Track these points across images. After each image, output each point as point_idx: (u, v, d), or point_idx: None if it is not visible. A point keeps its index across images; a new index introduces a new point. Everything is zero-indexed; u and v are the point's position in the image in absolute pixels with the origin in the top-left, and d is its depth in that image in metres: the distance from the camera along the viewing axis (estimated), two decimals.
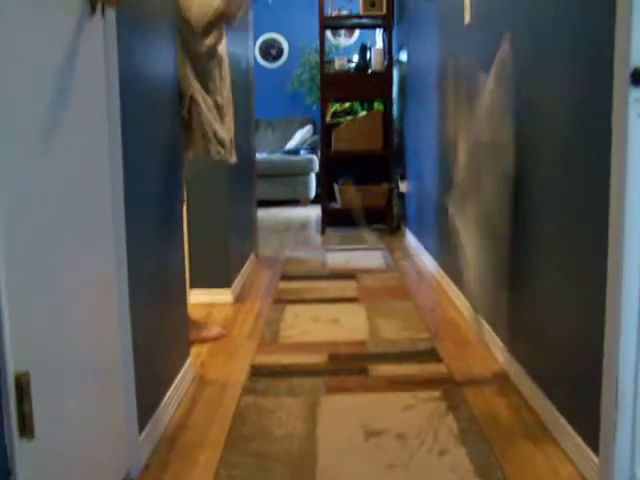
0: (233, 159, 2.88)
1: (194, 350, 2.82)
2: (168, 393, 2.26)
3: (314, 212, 7.31)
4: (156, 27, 2.24)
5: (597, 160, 1.73)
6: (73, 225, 1.45)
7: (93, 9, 1.55)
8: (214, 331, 3.10)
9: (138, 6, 2.00)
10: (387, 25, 6.02)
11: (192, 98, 2.64)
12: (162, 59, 2.31)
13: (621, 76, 1.53)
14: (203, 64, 2.69)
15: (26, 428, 1.18)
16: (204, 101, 2.70)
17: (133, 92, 1.90)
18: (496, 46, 2.55)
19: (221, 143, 2.75)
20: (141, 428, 1.94)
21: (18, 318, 1.16)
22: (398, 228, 6.05)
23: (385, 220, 6.11)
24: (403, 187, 5.80)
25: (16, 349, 1.15)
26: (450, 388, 2.45)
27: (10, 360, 1.14)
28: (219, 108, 2.79)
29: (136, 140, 1.93)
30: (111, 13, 1.66)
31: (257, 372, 2.65)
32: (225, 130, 2.80)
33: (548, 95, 2.15)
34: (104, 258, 1.65)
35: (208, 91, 2.74)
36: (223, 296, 3.67)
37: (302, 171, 8.06)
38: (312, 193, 8.15)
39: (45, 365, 1.28)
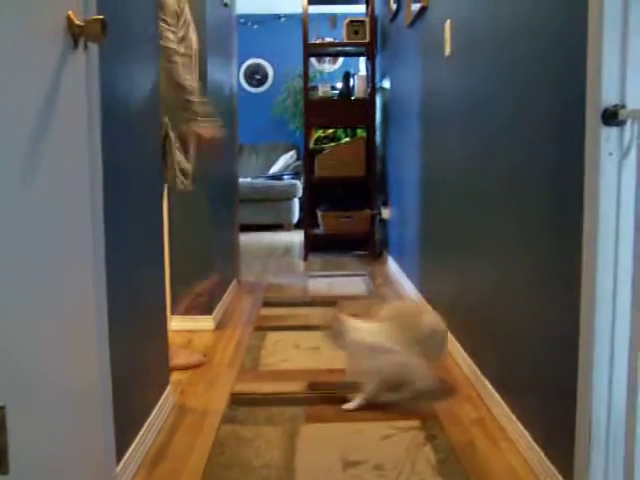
0: (190, 188, 2.98)
1: (174, 378, 2.82)
2: (147, 422, 2.26)
3: (297, 237, 7.33)
4: (138, 58, 2.27)
5: (570, 199, 1.76)
6: (52, 256, 1.45)
7: (76, 44, 1.57)
8: (194, 358, 3.10)
9: (121, 38, 2.02)
10: (370, 53, 6.09)
11: (166, 134, 2.75)
12: (143, 88, 2.33)
13: (592, 115, 1.57)
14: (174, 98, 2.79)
15: (1, 463, 1.17)
16: (173, 134, 2.82)
17: (114, 122, 1.92)
18: (474, 80, 2.59)
19: (185, 174, 2.87)
20: (119, 457, 1.94)
21: None
22: (380, 254, 6.08)
23: (367, 246, 6.14)
24: (385, 213, 5.84)
25: None
26: (429, 418, 2.46)
27: None
28: (184, 141, 2.90)
29: (116, 169, 1.94)
30: (93, 46, 1.68)
31: (237, 400, 2.65)
32: (189, 162, 2.91)
33: (522, 132, 2.19)
34: (83, 286, 1.66)
35: (175, 125, 2.86)
36: (204, 323, 3.67)
37: (285, 196, 8.09)
38: (295, 218, 8.18)
39: (21, 398, 1.28)
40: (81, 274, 1.64)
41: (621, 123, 1.53)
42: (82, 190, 1.65)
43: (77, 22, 1.54)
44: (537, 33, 2.06)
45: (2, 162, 1.22)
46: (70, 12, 1.53)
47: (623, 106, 1.53)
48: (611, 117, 1.53)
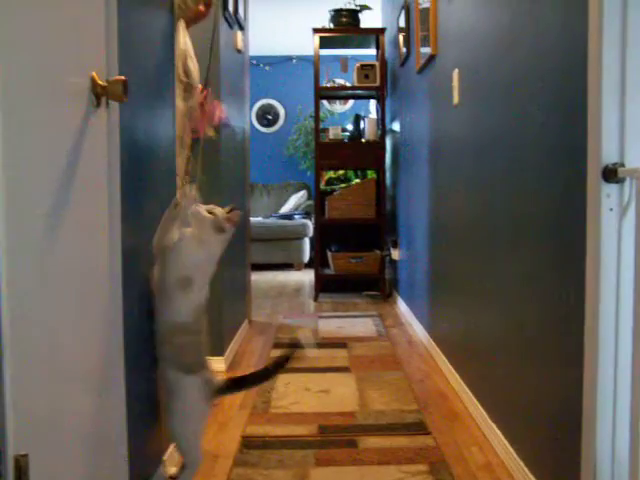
0: None
1: None
2: (161, 465, 2.29)
3: (307, 277, 7.38)
4: (155, 111, 2.35)
5: (573, 251, 1.82)
6: (74, 303, 1.51)
7: (98, 103, 1.64)
8: None
9: (141, 93, 2.10)
10: (380, 96, 6.20)
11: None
12: (160, 139, 2.41)
13: (594, 172, 1.63)
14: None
15: None
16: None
17: (133, 173, 1.99)
18: (481, 130, 2.66)
19: None
20: None
21: (20, 402, 1.21)
22: (390, 295, 6.12)
23: (377, 287, 6.18)
24: (395, 254, 5.89)
25: (17, 432, 1.20)
26: (437, 462, 2.49)
27: (10, 444, 1.19)
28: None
29: (134, 215, 2.00)
30: (114, 104, 1.76)
31: (248, 443, 2.69)
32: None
33: (527, 183, 2.25)
34: (101, 331, 1.71)
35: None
36: (216, 364, 3.70)
37: (296, 235, 8.15)
38: (306, 257, 8.23)
39: (43, 445, 1.33)
40: (100, 315, 1.70)
41: (620, 180, 1.59)
42: (102, 236, 1.71)
43: (100, 82, 1.62)
44: (543, 89, 2.12)
45: (30, 213, 1.29)
46: (94, 73, 1.61)
47: (622, 164, 1.59)
48: (611, 174, 1.59)
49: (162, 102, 2.43)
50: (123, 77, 1.64)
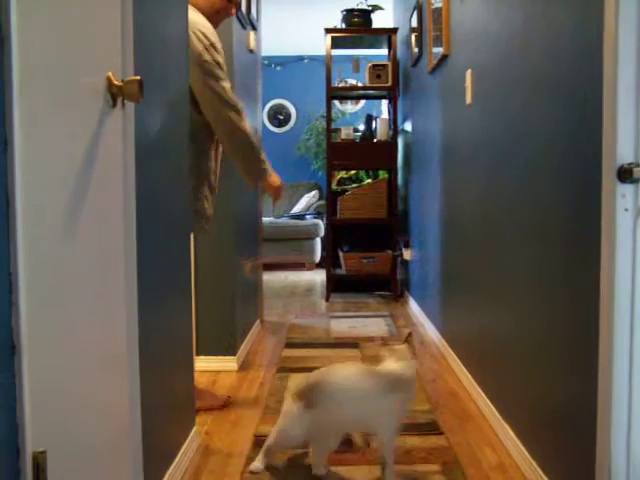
0: (207, 230, 3.08)
1: (199, 418, 2.87)
2: (173, 464, 2.30)
3: (319, 276, 7.39)
4: (171, 112, 2.36)
5: (587, 252, 1.81)
6: (90, 302, 1.52)
7: (114, 102, 1.65)
8: (218, 400, 3.14)
9: (156, 93, 2.11)
10: (392, 96, 6.19)
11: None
12: (174, 138, 2.42)
13: (609, 172, 1.63)
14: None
15: None
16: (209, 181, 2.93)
17: (147, 172, 2.00)
18: (494, 131, 2.66)
19: (207, 220, 2.95)
20: None
21: (37, 399, 1.23)
22: (401, 295, 6.12)
23: (389, 287, 6.18)
24: (407, 254, 5.88)
25: (35, 429, 1.22)
26: (450, 462, 2.49)
27: (29, 440, 1.20)
28: (212, 188, 2.98)
29: (148, 215, 2.01)
30: (130, 104, 1.77)
31: (261, 442, 2.68)
32: (212, 206, 3.02)
33: (541, 183, 2.25)
34: (116, 330, 1.72)
35: (208, 171, 2.94)
36: (228, 364, 3.72)
37: (308, 235, 8.16)
38: (317, 257, 8.24)
39: (61, 442, 1.34)
40: (115, 318, 1.71)
41: (636, 181, 1.59)
42: (117, 235, 1.72)
43: (116, 82, 1.63)
44: (556, 90, 2.12)
45: (47, 211, 1.30)
46: (110, 73, 1.62)
47: (638, 164, 1.58)
48: (626, 175, 1.58)
49: (176, 102, 2.44)
50: (139, 77, 1.65)
